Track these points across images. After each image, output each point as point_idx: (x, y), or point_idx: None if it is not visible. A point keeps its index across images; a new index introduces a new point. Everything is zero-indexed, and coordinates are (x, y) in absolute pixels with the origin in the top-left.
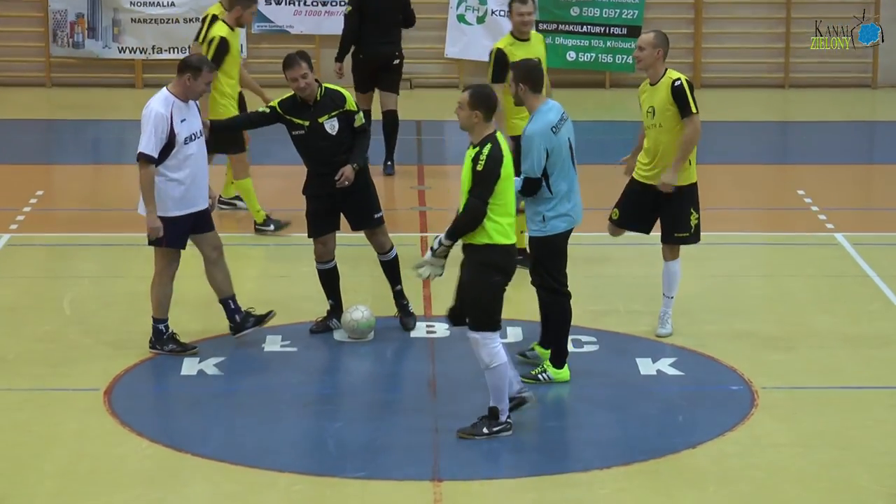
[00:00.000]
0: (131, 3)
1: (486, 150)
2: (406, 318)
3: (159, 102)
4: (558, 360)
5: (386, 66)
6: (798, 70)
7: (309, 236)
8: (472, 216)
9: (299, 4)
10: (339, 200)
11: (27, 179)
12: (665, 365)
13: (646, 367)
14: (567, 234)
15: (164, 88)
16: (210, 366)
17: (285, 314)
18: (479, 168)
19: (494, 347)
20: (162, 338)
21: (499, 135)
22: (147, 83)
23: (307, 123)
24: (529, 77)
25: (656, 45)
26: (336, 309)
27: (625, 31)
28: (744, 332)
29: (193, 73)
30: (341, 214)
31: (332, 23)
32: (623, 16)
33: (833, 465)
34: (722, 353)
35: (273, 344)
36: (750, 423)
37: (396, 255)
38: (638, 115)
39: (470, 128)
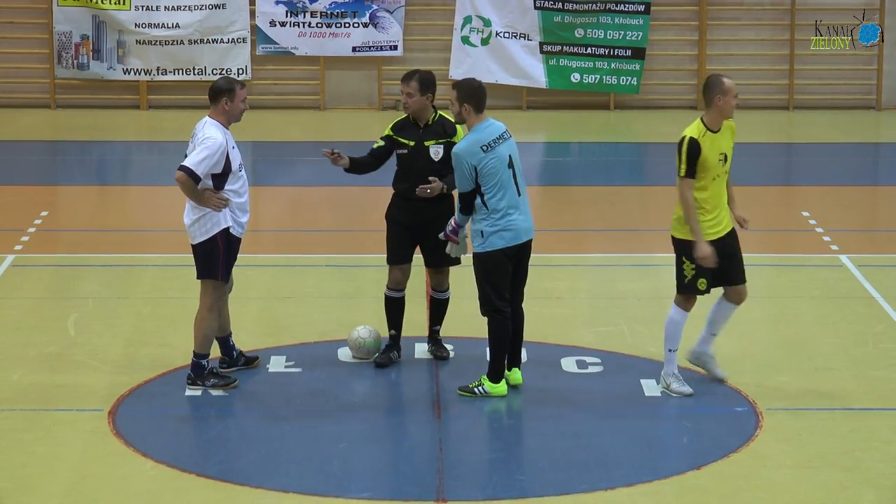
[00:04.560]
0: (136, 24)
1: None
2: (439, 349)
3: (217, 131)
4: (495, 375)
5: None
6: (802, 92)
7: (388, 262)
8: None
9: (304, 26)
10: (422, 233)
11: (32, 200)
12: None
13: (650, 388)
14: (509, 251)
15: (208, 118)
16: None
17: (289, 335)
18: None
19: None
20: (203, 373)
21: None
22: (152, 104)
23: (412, 143)
24: (473, 97)
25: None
26: (397, 340)
27: (629, 52)
28: (748, 353)
29: (229, 95)
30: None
31: (337, 44)
32: (627, 37)
33: (838, 487)
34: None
35: (277, 365)
36: (754, 445)
37: (448, 298)
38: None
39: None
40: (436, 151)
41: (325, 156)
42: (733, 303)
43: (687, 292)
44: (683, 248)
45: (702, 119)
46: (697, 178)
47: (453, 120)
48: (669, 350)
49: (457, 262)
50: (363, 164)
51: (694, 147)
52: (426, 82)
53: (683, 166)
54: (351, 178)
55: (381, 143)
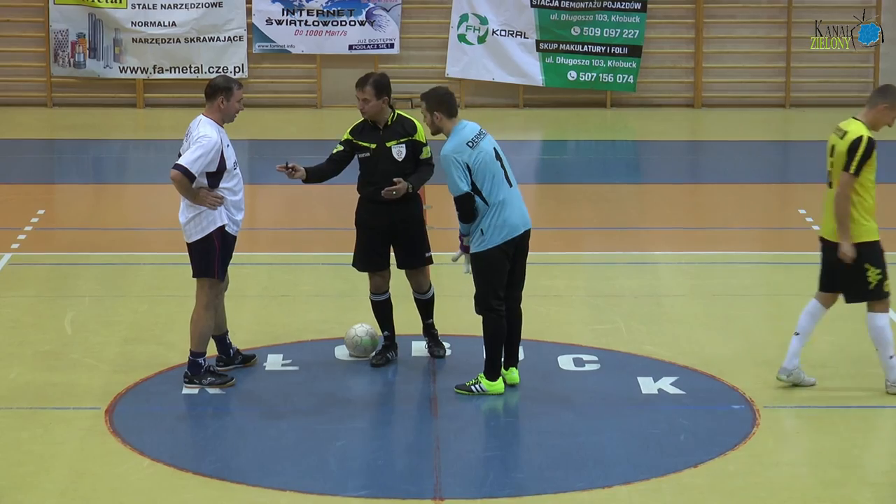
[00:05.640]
0: (132, 22)
1: None
2: (436, 346)
3: (212, 129)
4: (492, 372)
5: None
6: (799, 89)
7: (359, 269)
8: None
9: (300, 24)
10: (392, 234)
11: (29, 199)
12: (666, 384)
13: (647, 385)
14: (507, 247)
15: (203, 116)
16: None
17: (286, 333)
18: None
19: None
20: (200, 371)
21: None
22: (148, 102)
23: (374, 146)
24: (443, 103)
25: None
26: (392, 340)
27: (626, 50)
28: (746, 350)
29: (225, 93)
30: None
31: (333, 42)
32: (624, 35)
33: (835, 485)
34: (723, 372)
35: (274, 363)
36: (752, 443)
37: (433, 295)
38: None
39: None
40: (398, 151)
41: (280, 171)
42: (829, 307)
43: (879, 298)
44: (868, 253)
45: (859, 119)
46: (869, 179)
47: (415, 128)
48: (891, 357)
49: (430, 260)
50: (323, 172)
51: (872, 147)
52: (380, 86)
53: (855, 165)
54: (349, 176)
55: (341, 147)
